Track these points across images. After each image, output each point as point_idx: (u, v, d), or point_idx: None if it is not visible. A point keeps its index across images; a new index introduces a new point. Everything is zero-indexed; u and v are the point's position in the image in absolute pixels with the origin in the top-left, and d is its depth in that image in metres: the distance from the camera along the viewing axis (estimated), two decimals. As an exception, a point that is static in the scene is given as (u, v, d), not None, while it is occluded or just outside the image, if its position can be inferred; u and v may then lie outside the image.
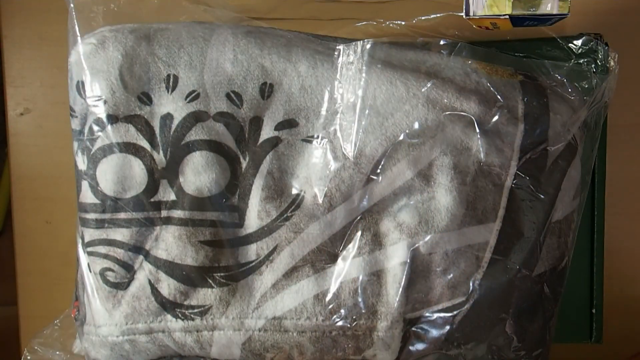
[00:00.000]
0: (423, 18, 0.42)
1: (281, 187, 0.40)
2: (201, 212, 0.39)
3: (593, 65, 0.42)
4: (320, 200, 0.39)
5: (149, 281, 0.39)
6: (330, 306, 0.39)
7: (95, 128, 0.39)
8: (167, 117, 0.39)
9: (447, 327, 0.39)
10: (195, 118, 0.39)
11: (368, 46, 0.40)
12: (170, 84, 0.40)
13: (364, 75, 0.39)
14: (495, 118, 0.39)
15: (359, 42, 0.40)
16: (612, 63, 0.42)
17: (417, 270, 0.39)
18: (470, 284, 0.39)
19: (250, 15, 0.43)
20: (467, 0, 0.39)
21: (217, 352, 0.40)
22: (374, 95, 0.39)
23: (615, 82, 0.42)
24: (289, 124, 0.40)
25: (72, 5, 0.40)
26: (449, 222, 0.39)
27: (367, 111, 0.39)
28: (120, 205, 0.39)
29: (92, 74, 0.39)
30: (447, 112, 0.39)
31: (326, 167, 0.39)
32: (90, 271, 0.40)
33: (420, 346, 0.40)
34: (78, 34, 0.40)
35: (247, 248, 0.40)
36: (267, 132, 0.40)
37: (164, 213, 0.40)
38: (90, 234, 0.40)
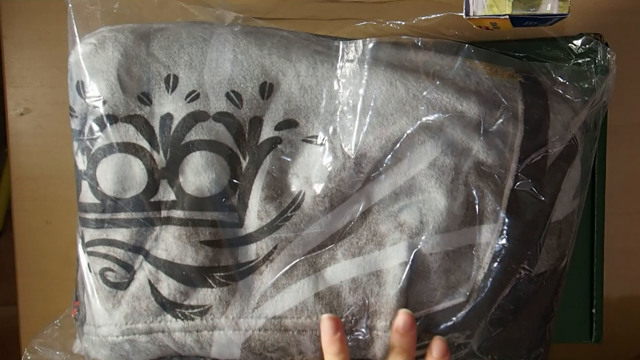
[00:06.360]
0: (423, 18, 0.42)
1: (281, 187, 0.40)
2: (201, 212, 0.39)
3: (593, 65, 0.42)
4: (320, 200, 0.39)
5: (149, 281, 0.39)
6: (331, 305, 0.39)
7: (95, 128, 0.39)
8: (167, 117, 0.39)
9: (448, 328, 0.39)
10: (195, 118, 0.39)
11: (369, 46, 0.40)
12: (170, 84, 0.40)
13: (365, 75, 0.39)
14: (496, 118, 0.39)
15: (359, 42, 0.40)
16: (611, 63, 0.42)
17: (418, 270, 0.39)
18: (471, 285, 0.39)
19: (250, 15, 0.43)
20: (467, 0, 0.39)
21: (217, 352, 0.40)
22: (374, 96, 0.39)
23: (614, 82, 0.42)
24: (289, 124, 0.40)
25: (70, 5, 0.40)
26: (450, 223, 0.39)
27: (367, 111, 0.39)
28: (120, 205, 0.39)
29: (91, 74, 0.39)
30: (448, 113, 0.39)
31: (326, 167, 0.39)
32: (90, 271, 0.40)
33: (419, 347, 0.40)
34: (77, 34, 0.40)
35: (247, 248, 0.40)
36: (267, 132, 0.40)
37: (163, 213, 0.40)
38: (90, 234, 0.40)
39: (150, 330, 0.40)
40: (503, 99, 0.40)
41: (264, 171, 0.40)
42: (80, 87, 0.40)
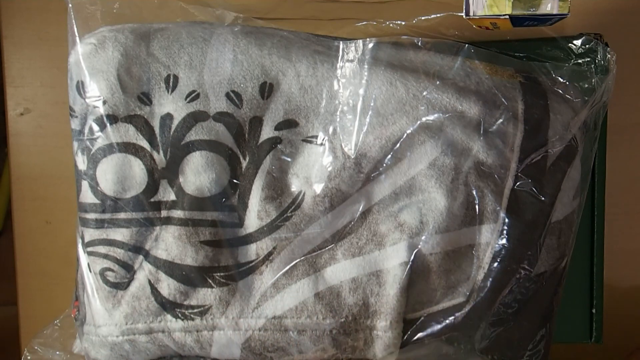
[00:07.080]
0: (423, 18, 0.42)
1: (281, 187, 0.40)
2: (201, 212, 0.39)
3: (593, 65, 0.42)
4: (320, 200, 0.39)
5: (149, 281, 0.39)
6: (331, 305, 0.39)
7: (95, 128, 0.39)
8: (167, 117, 0.39)
9: (448, 328, 0.39)
10: (195, 118, 0.39)
11: (369, 46, 0.40)
12: (170, 84, 0.40)
13: (365, 75, 0.39)
14: (496, 118, 0.39)
15: (359, 42, 0.40)
16: (611, 63, 0.42)
17: (418, 270, 0.39)
18: (471, 285, 0.39)
19: (250, 15, 0.43)
20: (467, 0, 0.39)
21: (217, 352, 0.40)
22: (374, 96, 0.39)
23: (614, 82, 0.42)
24: (289, 124, 0.40)
25: (70, 5, 0.40)
26: (450, 223, 0.39)
27: (367, 111, 0.39)
28: (120, 205, 0.39)
29: (91, 74, 0.39)
30: (448, 113, 0.39)
31: (326, 167, 0.39)
32: (90, 271, 0.40)
33: (419, 347, 0.40)
34: (77, 34, 0.40)
35: (247, 248, 0.40)
36: (267, 132, 0.40)
37: (163, 213, 0.40)
38: (90, 234, 0.40)
39: (150, 330, 0.40)
40: (503, 99, 0.40)
41: (264, 171, 0.40)
42: (80, 87, 0.40)
